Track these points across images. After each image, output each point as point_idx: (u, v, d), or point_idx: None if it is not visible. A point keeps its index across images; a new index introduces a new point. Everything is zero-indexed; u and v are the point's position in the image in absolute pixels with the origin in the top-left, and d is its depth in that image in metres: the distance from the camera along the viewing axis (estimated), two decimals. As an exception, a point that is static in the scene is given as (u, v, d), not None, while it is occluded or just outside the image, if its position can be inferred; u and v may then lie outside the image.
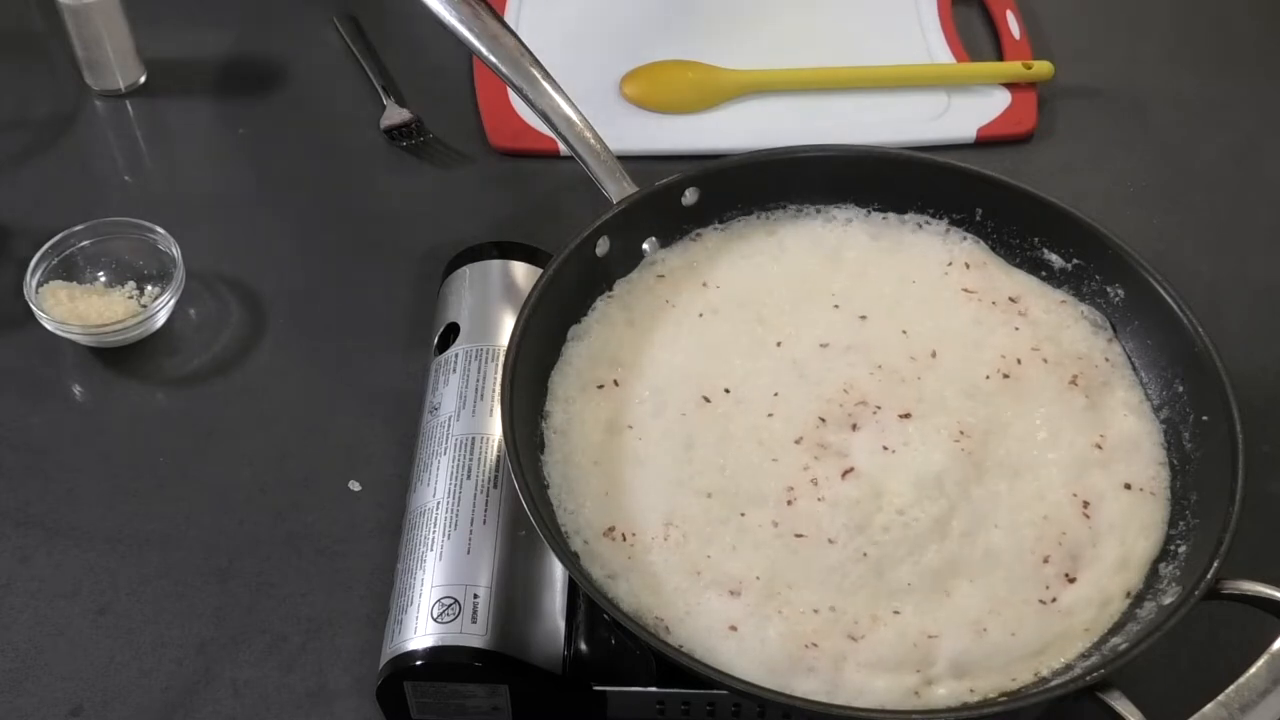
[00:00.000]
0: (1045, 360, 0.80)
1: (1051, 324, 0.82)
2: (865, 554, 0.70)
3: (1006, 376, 0.78)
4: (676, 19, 1.14)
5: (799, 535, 0.71)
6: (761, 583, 0.70)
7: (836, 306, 0.82)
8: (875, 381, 0.77)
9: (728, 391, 0.78)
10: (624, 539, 0.72)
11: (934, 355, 0.79)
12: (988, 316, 0.82)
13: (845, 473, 0.73)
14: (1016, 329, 0.81)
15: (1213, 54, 1.16)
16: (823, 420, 0.76)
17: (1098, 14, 1.19)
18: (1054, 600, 0.70)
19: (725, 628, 0.68)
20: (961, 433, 0.75)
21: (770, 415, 0.76)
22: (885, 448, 0.74)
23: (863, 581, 0.70)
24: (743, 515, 0.72)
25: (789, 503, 0.72)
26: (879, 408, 0.76)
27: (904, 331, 0.80)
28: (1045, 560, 0.71)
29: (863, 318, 0.81)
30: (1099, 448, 0.76)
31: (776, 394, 0.77)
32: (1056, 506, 0.73)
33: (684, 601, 0.70)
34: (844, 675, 0.67)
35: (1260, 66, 1.15)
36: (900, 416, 0.76)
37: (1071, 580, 0.71)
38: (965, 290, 0.83)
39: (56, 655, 0.77)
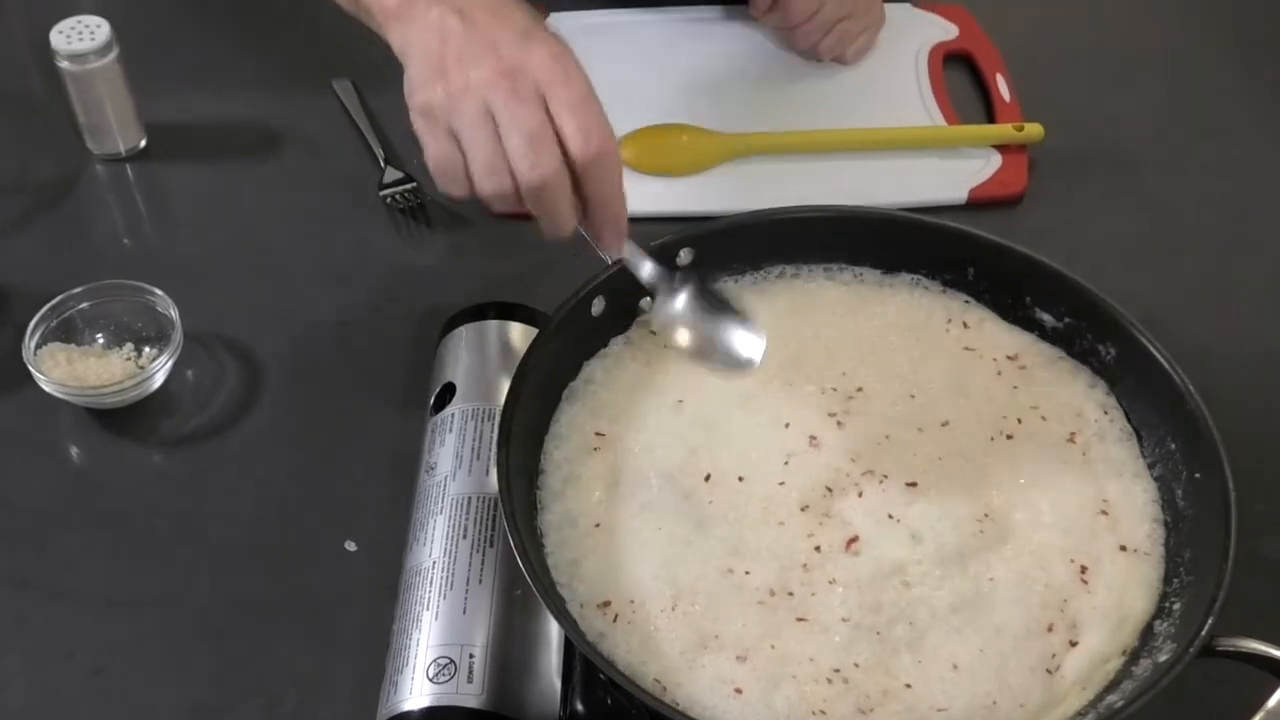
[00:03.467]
0: (1044, 418, 0.80)
1: (1049, 380, 0.82)
2: (879, 632, 0.71)
3: (1010, 438, 0.79)
4: (670, 84, 1.15)
5: (805, 617, 0.71)
6: (774, 651, 0.70)
7: (842, 373, 0.82)
8: (882, 451, 0.78)
9: (725, 463, 0.78)
10: (625, 607, 0.72)
11: (940, 421, 0.80)
12: (990, 375, 0.82)
13: (850, 541, 0.74)
14: (1016, 387, 0.82)
15: (1202, 115, 1.18)
16: (829, 490, 0.76)
17: (1087, 76, 1.21)
18: (1059, 668, 0.70)
19: (730, 690, 0.68)
20: (971, 509, 0.76)
21: (780, 484, 0.77)
22: (891, 516, 0.75)
23: (877, 659, 0.70)
24: (747, 582, 0.73)
25: (800, 579, 0.73)
26: (885, 477, 0.77)
27: (911, 396, 0.81)
28: (1050, 629, 0.71)
29: (859, 390, 0.82)
30: (1098, 512, 0.76)
31: (786, 462, 0.78)
32: (1057, 574, 0.73)
33: (685, 663, 0.70)
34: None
35: (1249, 128, 1.16)
36: (908, 485, 0.76)
37: (1074, 645, 0.71)
38: (967, 349, 0.84)
39: (50, 718, 0.77)
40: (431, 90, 0.74)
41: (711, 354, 0.80)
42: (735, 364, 0.79)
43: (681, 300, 0.80)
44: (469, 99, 0.72)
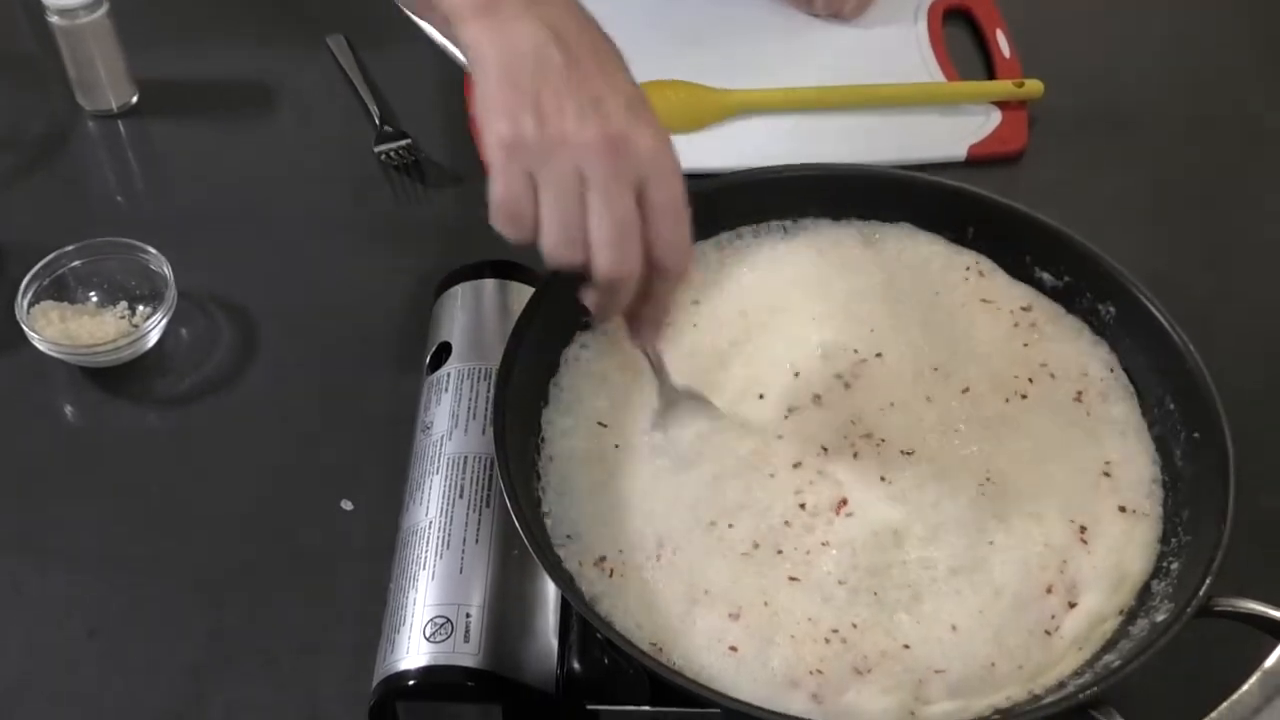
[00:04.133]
0: (1053, 376, 0.80)
1: (1057, 336, 0.82)
2: (876, 593, 0.70)
3: (1024, 398, 0.79)
4: (668, 40, 1.14)
5: (798, 577, 0.71)
6: (768, 609, 0.70)
7: (853, 330, 0.81)
8: (893, 412, 0.78)
9: (727, 412, 0.78)
10: (618, 559, 0.72)
11: (952, 382, 0.79)
12: (1006, 330, 0.82)
13: (840, 504, 0.73)
14: (1026, 345, 0.81)
15: (1202, 72, 1.17)
16: (825, 449, 0.76)
17: (1087, 33, 1.20)
18: (1057, 629, 0.70)
19: (724, 648, 0.68)
20: (979, 473, 0.75)
21: (779, 437, 0.76)
22: (884, 479, 0.74)
23: (874, 620, 0.70)
24: (730, 535, 0.72)
25: (789, 537, 0.72)
26: (883, 441, 0.76)
27: (923, 352, 0.80)
28: (1049, 590, 0.71)
29: (872, 330, 0.81)
30: (1100, 473, 0.76)
31: (787, 416, 0.77)
32: (1056, 535, 0.73)
33: (680, 621, 0.70)
34: (843, 698, 0.67)
35: (1250, 83, 1.16)
36: (902, 453, 0.76)
37: (1073, 606, 0.71)
38: (984, 300, 0.83)
39: (48, 679, 0.77)
40: (520, 124, 0.66)
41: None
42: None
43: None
44: (564, 156, 0.66)
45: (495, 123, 0.67)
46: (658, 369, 0.76)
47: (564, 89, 0.66)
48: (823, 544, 0.72)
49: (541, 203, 0.67)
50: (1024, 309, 0.83)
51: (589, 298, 0.71)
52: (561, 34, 0.68)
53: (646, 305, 0.71)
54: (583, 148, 0.65)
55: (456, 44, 0.72)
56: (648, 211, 0.67)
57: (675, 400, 0.77)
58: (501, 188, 0.67)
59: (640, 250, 0.67)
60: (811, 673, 0.67)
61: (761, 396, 0.78)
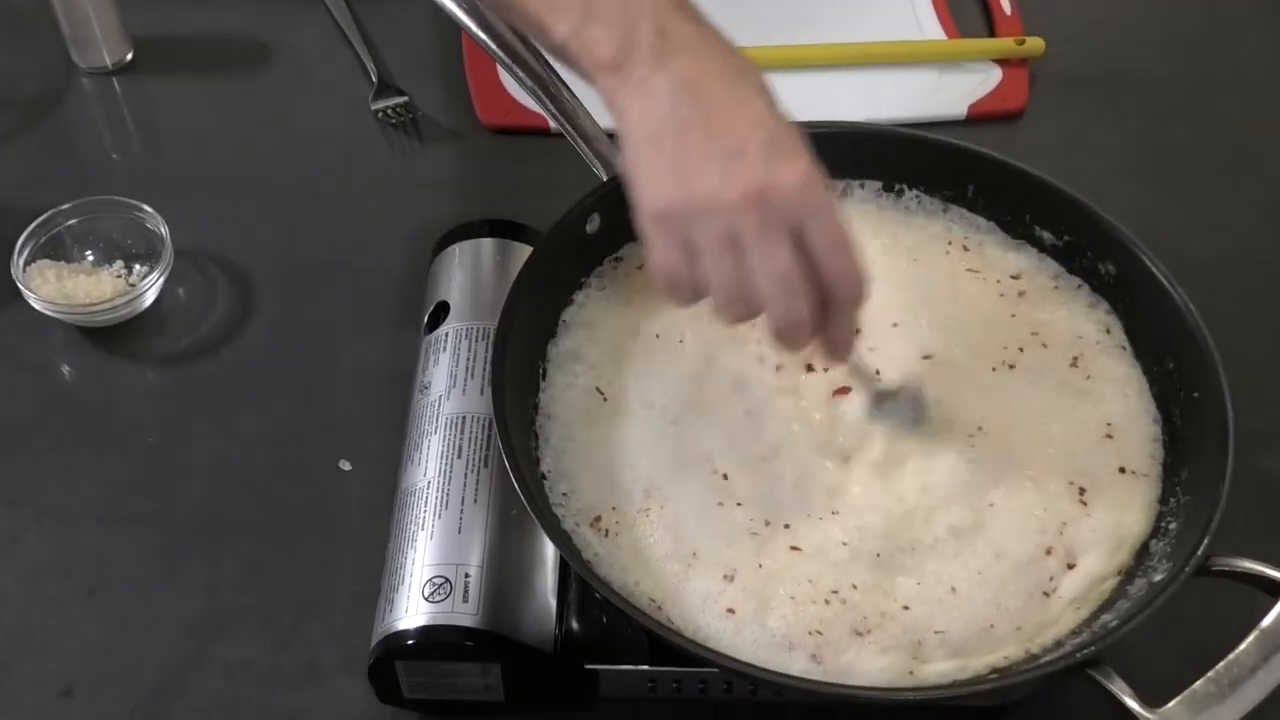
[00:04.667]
0: (1045, 345, 0.79)
1: (1049, 304, 0.81)
2: (878, 554, 0.70)
3: (1012, 368, 0.78)
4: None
5: (799, 546, 0.71)
6: (764, 571, 0.70)
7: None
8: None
9: (722, 382, 0.78)
10: (616, 518, 0.72)
11: (942, 353, 0.79)
12: (992, 299, 0.82)
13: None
14: (1014, 315, 0.81)
15: (1204, 31, 1.16)
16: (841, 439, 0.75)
17: (1089, -10, 1.19)
18: (1055, 590, 0.70)
19: (722, 610, 0.68)
20: (972, 435, 0.75)
21: (774, 400, 0.76)
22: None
23: (874, 581, 0.70)
24: (740, 505, 0.72)
25: (795, 501, 0.72)
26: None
27: (915, 325, 0.80)
28: (1048, 553, 0.71)
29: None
30: (1102, 435, 0.76)
31: (780, 388, 0.77)
32: (1056, 498, 0.73)
33: (677, 581, 0.70)
34: (842, 658, 0.67)
35: (1250, 43, 1.15)
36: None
37: (1071, 568, 0.71)
38: (970, 270, 0.83)
39: (47, 636, 0.77)
40: (668, 193, 0.66)
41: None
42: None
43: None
44: (713, 218, 0.65)
45: (646, 194, 0.67)
46: (861, 375, 0.75)
47: (704, 146, 0.65)
48: (834, 513, 0.72)
49: (703, 269, 0.66)
50: (1013, 277, 0.83)
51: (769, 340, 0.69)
52: (694, 84, 0.67)
53: (831, 331, 0.69)
54: (730, 209, 0.64)
55: (579, 76, 0.72)
56: (809, 251, 0.66)
57: (885, 398, 0.76)
58: (660, 257, 0.68)
59: (808, 294, 0.66)
60: (811, 633, 0.67)
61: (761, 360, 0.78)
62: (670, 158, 0.66)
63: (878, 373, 0.76)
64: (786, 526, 0.71)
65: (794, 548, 0.71)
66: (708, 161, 0.65)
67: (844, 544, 0.70)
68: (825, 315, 0.67)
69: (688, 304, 0.69)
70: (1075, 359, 0.79)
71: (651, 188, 0.67)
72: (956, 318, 0.81)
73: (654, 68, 0.67)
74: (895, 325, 0.79)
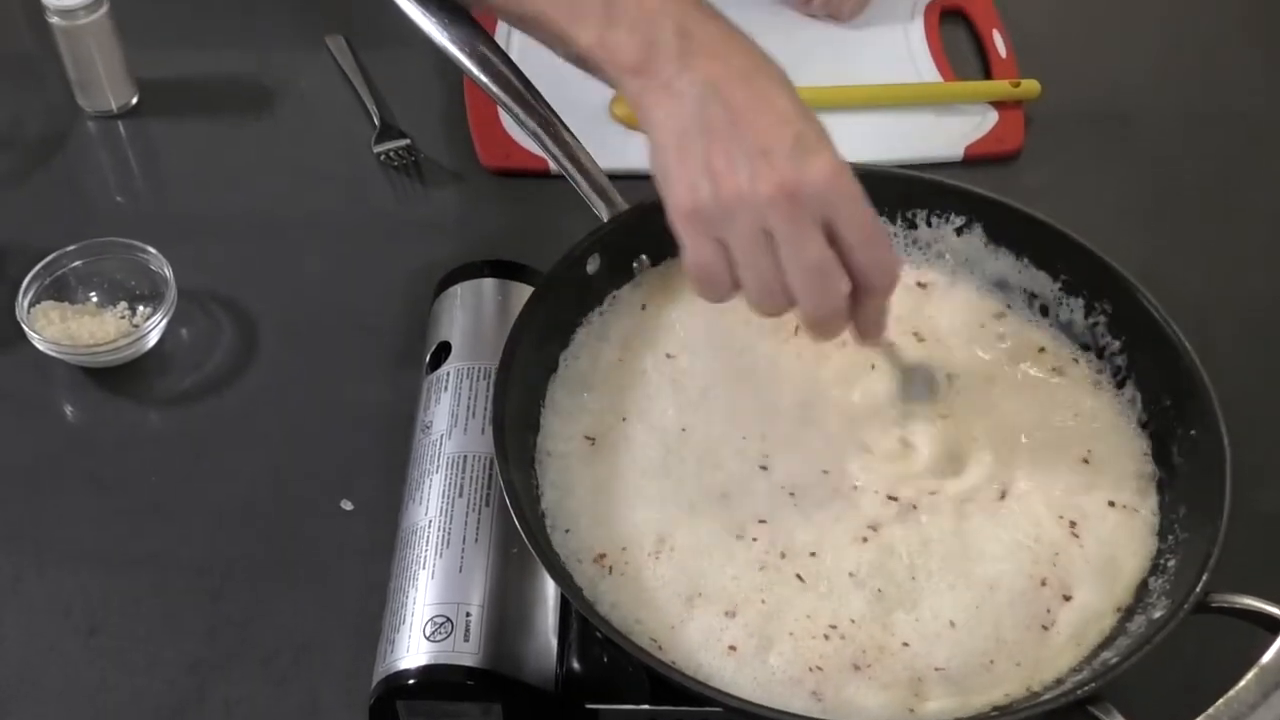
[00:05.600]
0: (1032, 370, 0.80)
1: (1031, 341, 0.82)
2: (879, 589, 0.70)
3: (1002, 408, 0.79)
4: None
5: (803, 575, 0.71)
6: (767, 606, 0.70)
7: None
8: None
9: (718, 423, 0.78)
10: (617, 557, 0.72)
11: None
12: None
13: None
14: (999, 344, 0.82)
15: (1199, 72, 1.17)
16: (825, 472, 0.76)
17: (1084, 32, 1.20)
18: (1054, 624, 0.70)
19: (724, 647, 0.68)
20: (968, 472, 0.76)
21: (768, 442, 0.77)
22: (890, 497, 0.75)
23: (873, 615, 0.70)
24: (740, 538, 0.72)
25: (809, 534, 0.73)
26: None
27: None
28: (1043, 583, 0.71)
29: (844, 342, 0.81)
30: (1085, 462, 0.76)
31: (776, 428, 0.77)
32: (1046, 529, 0.73)
33: (678, 619, 0.69)
34: (842, 694, 0.67)
35: (1246, 82, 1.16)
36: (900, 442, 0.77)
37: (1068, 599, 0.71)
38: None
39: (48, 676, 0.77)
40: (698, 192, 0.67)
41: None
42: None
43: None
44: (744, 214, 0.66)
45: (676, 194, 0.68)
46: (889, 355, 0.78)
47: (732, 145, 0.67)
48: (841, 543, 0.72)
49: (735, 263, 0.68)
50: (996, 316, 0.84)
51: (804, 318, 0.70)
52: (718, 84, 0.68)
53: (862, 318, 0.71)
54: (760, 204, 0.66)
55: (604, 80, 0.73)
56: (839, 243, 0.67)
57: (911, 378, 0.78)
58: (692, 255, 0.69)
59: (840, 285, 0.67)
60: (811, 669, 0.67)
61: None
62: (699, 158, 0.67)
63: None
64: (783, 556, 0.71)
65: (799, 576, 0.71)
66: (736, 160, 0.66)
67: (851, 574, 0.71)
68: (856, 302, 0.69)
69: (721, 300, 0.70)
70: (1054, 366, 0.80)
71: (682, 187, 0.68)
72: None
73: (679, 69, 0.68)
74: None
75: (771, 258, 0.67)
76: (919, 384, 0.78)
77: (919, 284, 0.85)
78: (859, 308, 0.70)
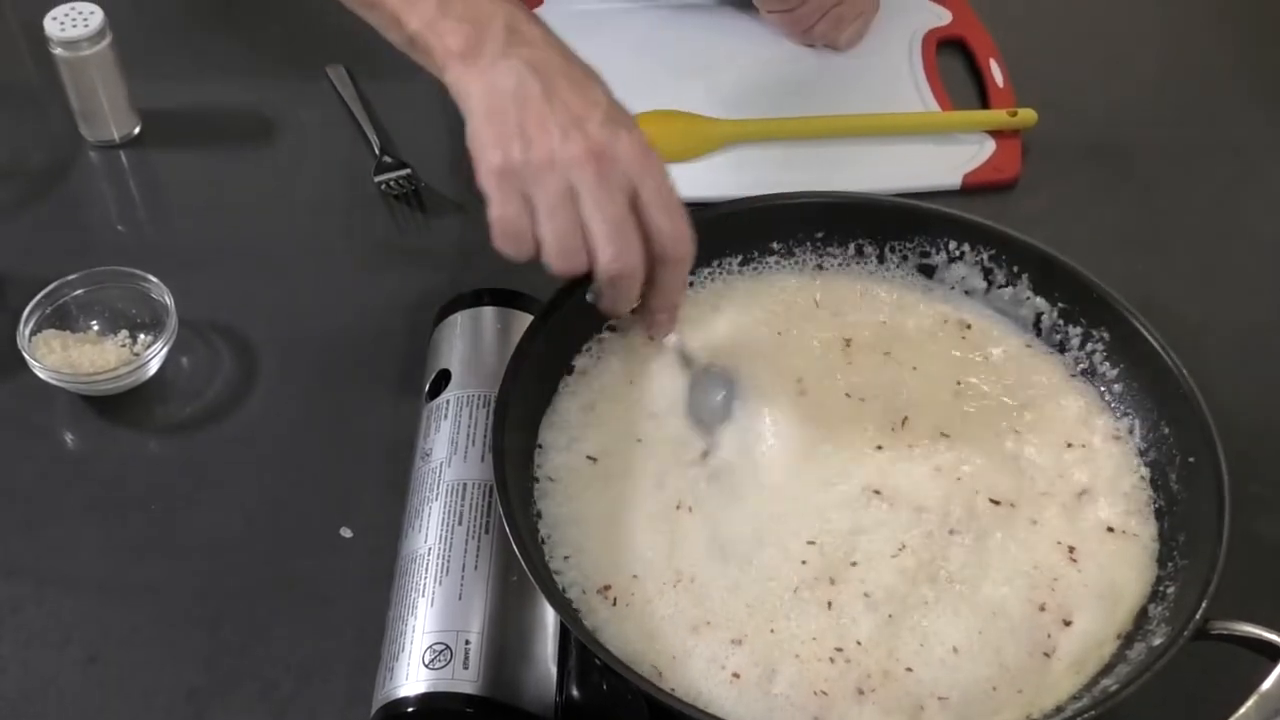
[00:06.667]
0: (1024, 409, 0.81)
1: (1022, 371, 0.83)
2: (890, 615, 0.70)
3: (1001, 436, 0.79)
4: (664, 71, 1.14)
5: (817, 601, 0.71)
6: (774, 635, 0.70)
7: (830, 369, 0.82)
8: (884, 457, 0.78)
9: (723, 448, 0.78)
10: (617, 583, 0.72)
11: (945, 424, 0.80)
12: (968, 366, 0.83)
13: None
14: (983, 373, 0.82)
15: (1195, 98, 1.17)
16: (829, 485, 0.76)
17: (1081, 62, 1.20)
18: (1054, 650, 0.70)
19: (727, 675, 0.68)
20: (967, 494, 0.76)
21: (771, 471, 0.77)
22: (879, 492, 0.75)
23: (878, 638, 0.70)
24: (745, 568, 0.73)
25: (809, 566, 0.73)
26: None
27: (895, 385, 0.81)
28: (1042, 608, 0.71)
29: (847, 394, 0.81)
30: (1083, 493, 0.76)
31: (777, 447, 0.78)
32: (1045, 555, 0.73)
33: (681, 647, 0.69)
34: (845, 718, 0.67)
35: (1242, 110, 1.16)
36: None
37: (1068, 624, 0.71)
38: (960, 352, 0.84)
39: (46, 705, 0.77)
40: (510, 152, 0.71)
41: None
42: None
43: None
44: (553, 173, 0.70)
45: (487, 154, 0.72)
46: (683, 358, 0.79)
47: (546, 114, 0.71)
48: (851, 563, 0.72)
49: (539, 221, 0.71)
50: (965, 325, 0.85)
51: (598, 299, 0.74)
52: (539, 67, 0.72)
53: (655, 296, 0.75)
54: (569, 163, 0.70)
55: (440, 78, 0.77)
56: (641, 209, 0.71)
57: (703, 381, 0.79)
58: (498, 210, 0.72)
59: (639, 243, 0.71)
60: (816, 694, 0.67)
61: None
62: (513, 123, 0.71)
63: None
64: (794, 592, 0.71)
65: (826, 600, 0.71)
66: (549, 125, 0.70)
67: (867, 595, 0.71)
68: (651, 281, 0.73)
69: (522, 258, 0.73)
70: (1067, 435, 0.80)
71: (493, 148, 0.72)
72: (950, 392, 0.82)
73: (502, 55, 0.73)
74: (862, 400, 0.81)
75: (575, 214, 0.70)
76: (714, 394, 0.78)
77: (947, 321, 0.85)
78: (653, 285, 0.73)
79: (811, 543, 0.73)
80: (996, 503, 0.75)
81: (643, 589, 0.72)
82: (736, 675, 0.68)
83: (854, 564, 0.72)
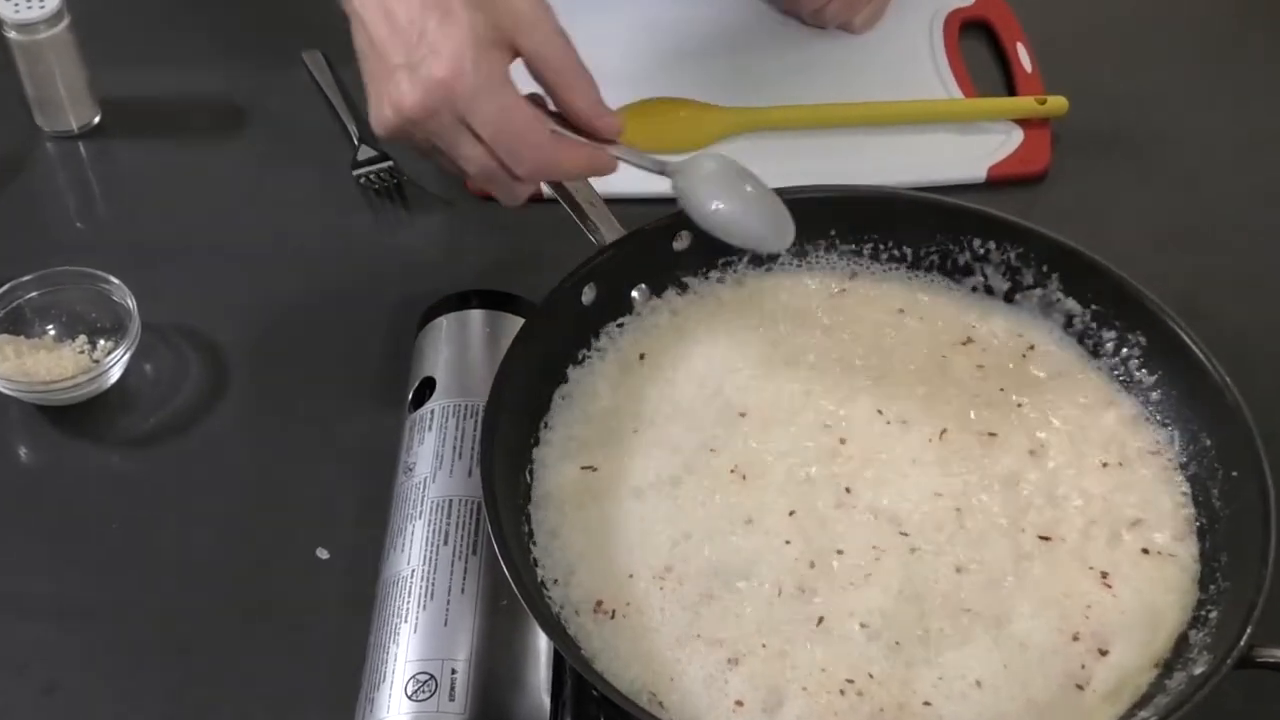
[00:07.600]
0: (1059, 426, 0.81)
1: (1061, 387, 0.83)
2: (898, 642, 0.71)
3: (1033, 453, 0.79)
4: (668, 55, 1.15)
5: (811, 623, 0.71)
6: (781, 662, 0.70)
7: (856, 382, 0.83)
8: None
9: (723, 458, 0.79)
10: (618, 598, 0.72)
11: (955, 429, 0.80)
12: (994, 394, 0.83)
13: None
14: (1020, 405, 0.82)
15: (1234, 86, 1.17)
16: (839, 505, 0.76)
17: (1114, 46, 1.20)
18: (1089, 682, 0.70)
19: (730, 704, 0.68)
20: (993, 518, 0.76)
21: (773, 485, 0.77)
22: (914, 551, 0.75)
23: (892, 670, 0.70)
24: (748, 586, 0.73)
25: (814, 583, 0.73)
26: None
27: (904, 421, 0.81)
28: (1075, 638, 0.71)
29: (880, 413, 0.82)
30: (1118, 512, 0.76)
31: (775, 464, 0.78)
32: (1077, 581, 0.73)
33: (682, 674, 0.70)
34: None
35: (1284, 100, 1.16)
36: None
37: (1104, 654, 0.71)
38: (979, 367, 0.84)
39: (0, 738, 0.77)
40: (374, 122, 0.81)
41: (738, 231, 0.83)
42: (764, 244, 0.83)
43: (707, 170, 0.82)
44: (410, 136, 0.79)
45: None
46: (653, 163, 0.82)
47: (377, 67, 0.78)
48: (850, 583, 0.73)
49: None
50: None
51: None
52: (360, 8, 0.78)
53: (550, 84, 0.79)
54: (409, 125, 0.77)
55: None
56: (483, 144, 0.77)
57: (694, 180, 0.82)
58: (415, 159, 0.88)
59: (494, 162, 0.78)
60: (827, 724, 0.67)
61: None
62: (368, 85, 0.80)
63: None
64: (801, 590, 0.72)
65: (812, 623, 0.71)
66: (381, 87, 0.77)
67: (864, 625, 0.71)
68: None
69: (510, 200, 0.82)
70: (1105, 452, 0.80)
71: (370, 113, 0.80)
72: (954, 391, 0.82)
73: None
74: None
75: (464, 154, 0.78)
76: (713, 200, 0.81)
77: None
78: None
79: (813, 565, 0.73)
80: (1022, 530, 0.75)
81: (637, 603, 0.72)
82: (740, 703, 0.68)
83: (853, 584, 0.73)
